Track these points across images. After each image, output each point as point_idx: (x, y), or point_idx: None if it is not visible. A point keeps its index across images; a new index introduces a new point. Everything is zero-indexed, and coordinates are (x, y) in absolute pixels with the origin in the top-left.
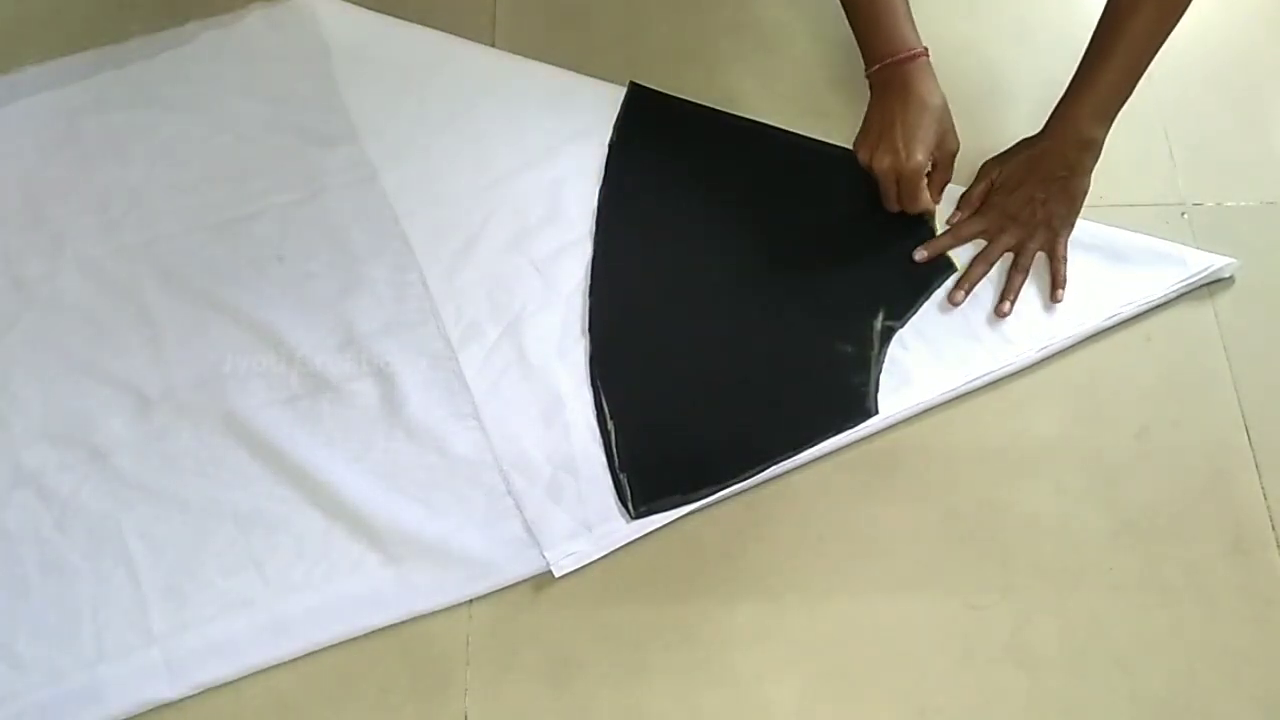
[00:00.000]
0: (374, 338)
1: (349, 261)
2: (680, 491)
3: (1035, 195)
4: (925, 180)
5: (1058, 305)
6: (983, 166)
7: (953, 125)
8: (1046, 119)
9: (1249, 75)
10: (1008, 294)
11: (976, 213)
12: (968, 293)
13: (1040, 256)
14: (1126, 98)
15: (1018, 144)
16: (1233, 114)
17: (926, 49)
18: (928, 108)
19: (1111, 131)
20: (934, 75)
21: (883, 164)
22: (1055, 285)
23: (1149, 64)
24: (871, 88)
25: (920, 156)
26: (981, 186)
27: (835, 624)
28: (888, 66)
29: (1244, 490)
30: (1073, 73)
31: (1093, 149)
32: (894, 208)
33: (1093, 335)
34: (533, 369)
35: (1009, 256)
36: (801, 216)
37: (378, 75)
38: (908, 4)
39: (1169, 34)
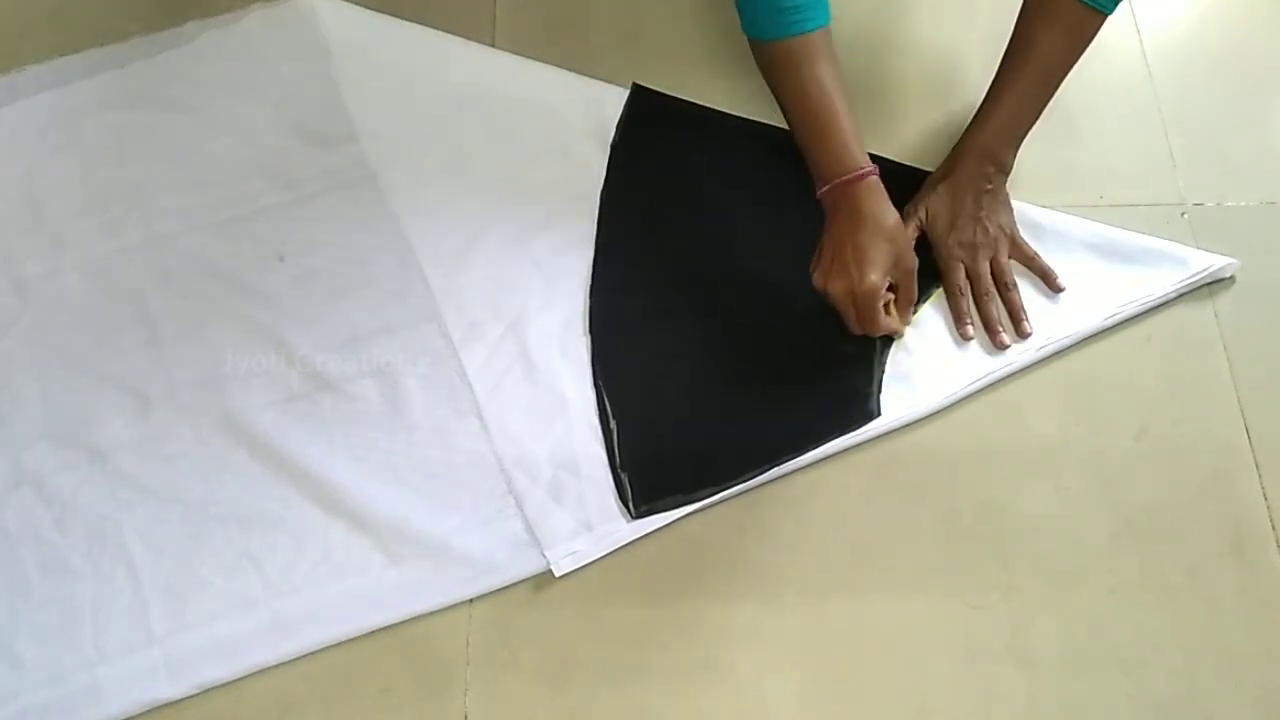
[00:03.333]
0: (375, 337)
1: (350, 261)
2: (681, 492)
3: (976, 215)
4: (882, 302)
5: (1060, 303)
6: (904, 211)
7: (908, 243)
8: (953, 146)
9: (1249, 75)
10: (1018, 315)
11: (938, 258)
12: (983, 322)
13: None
14: (1034, 122)
15: (927, 182)
16: (1233, 114)
17: (877, 167)
18: (881, 228)
19: (1111, 130)
20: (884, 194)
21: (837, 289)
22: (1050, 280)
23: (1056, 89)
24: (823, 209)
25: (874, 278)
26: (910, 228)
27: (835, 624)
28: (837, 187)
29: (1244, 490)
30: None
31: (1004, 168)
32: (857, 331)
33: (1093, 335)
34: (535, 368)
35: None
36: (801, 217)
37: (378, 75)
38: (855, 122)
39: (1076, 60)
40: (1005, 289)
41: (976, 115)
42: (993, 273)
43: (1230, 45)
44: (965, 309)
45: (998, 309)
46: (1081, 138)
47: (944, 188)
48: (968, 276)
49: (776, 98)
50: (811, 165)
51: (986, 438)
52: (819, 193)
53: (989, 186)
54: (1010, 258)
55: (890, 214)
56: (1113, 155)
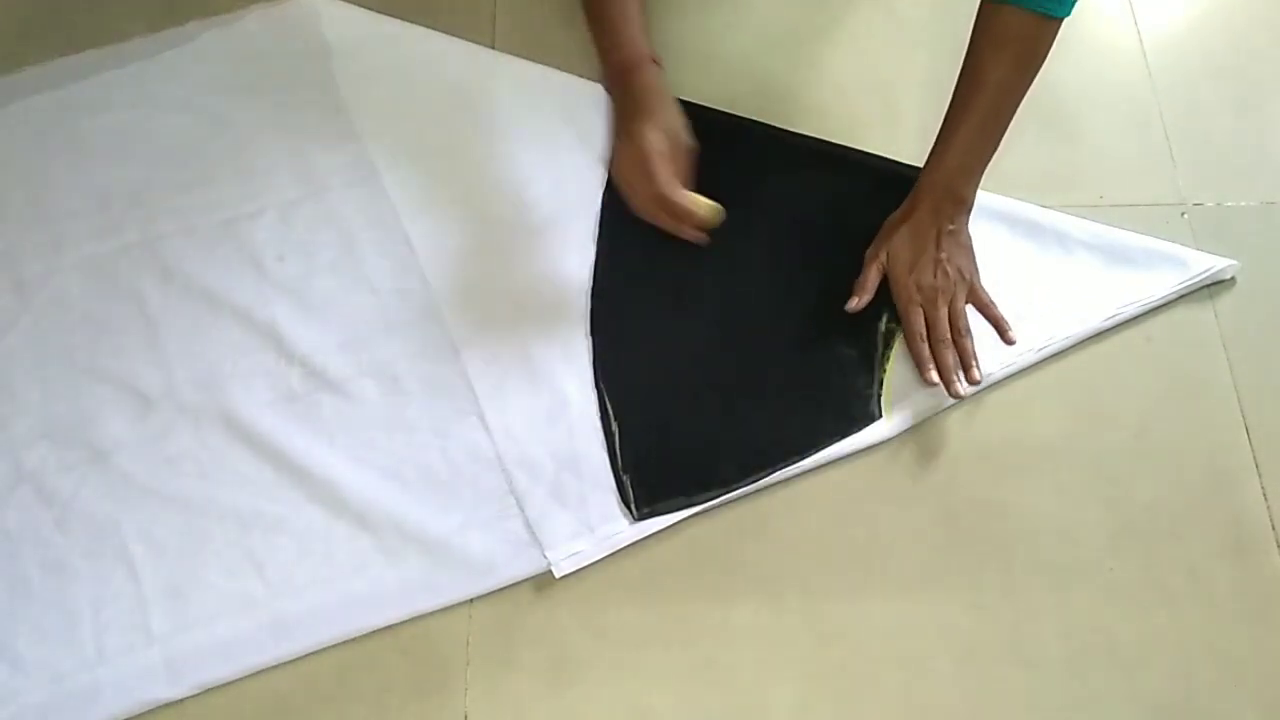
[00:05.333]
0: (376, 337)
1: (350, 261)
2: (683, 494)
3: (937, 257)
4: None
5: (1061, 304)
6: (866, 254)
7: (685, 125)
8: (913, 186)
9: (1249, 75)
10: (969, 361)
11: (896, 301)
12: (938, 369)
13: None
14: (993, 152)
15: (887, 223)
16: (1233, 114)
17: (658, 58)
18: (665, 111)
19: (1111, 130)
20: (665, 83)
21: (634, 184)
22: (1003, 330)
23: (1010, 119)
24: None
25: (665, 172)
26: (873, 271)
27: (835, 624)
28: (620, 74)
29: (1244, 490)
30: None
31: (965, 205)
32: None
33: (1093, 336)
34: (536, 369)
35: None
36: (804, 217)
37: (378, 76)
38: (644, 14)
39: (1030, 81)
40: (959, 335)
41: (933, 152)
42: (950, 317)
43: (1230, 45)
44: (926, 354)
45: (953, 356)
46: (1081, 138)
47: (905, 229)
48: (925, 321)
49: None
50: (599, 55)
51: (987, 438)
52: (605, 78)
53: (950, 226)
54: (969, 302)
55: (669, 104)
56: (1112, 155)
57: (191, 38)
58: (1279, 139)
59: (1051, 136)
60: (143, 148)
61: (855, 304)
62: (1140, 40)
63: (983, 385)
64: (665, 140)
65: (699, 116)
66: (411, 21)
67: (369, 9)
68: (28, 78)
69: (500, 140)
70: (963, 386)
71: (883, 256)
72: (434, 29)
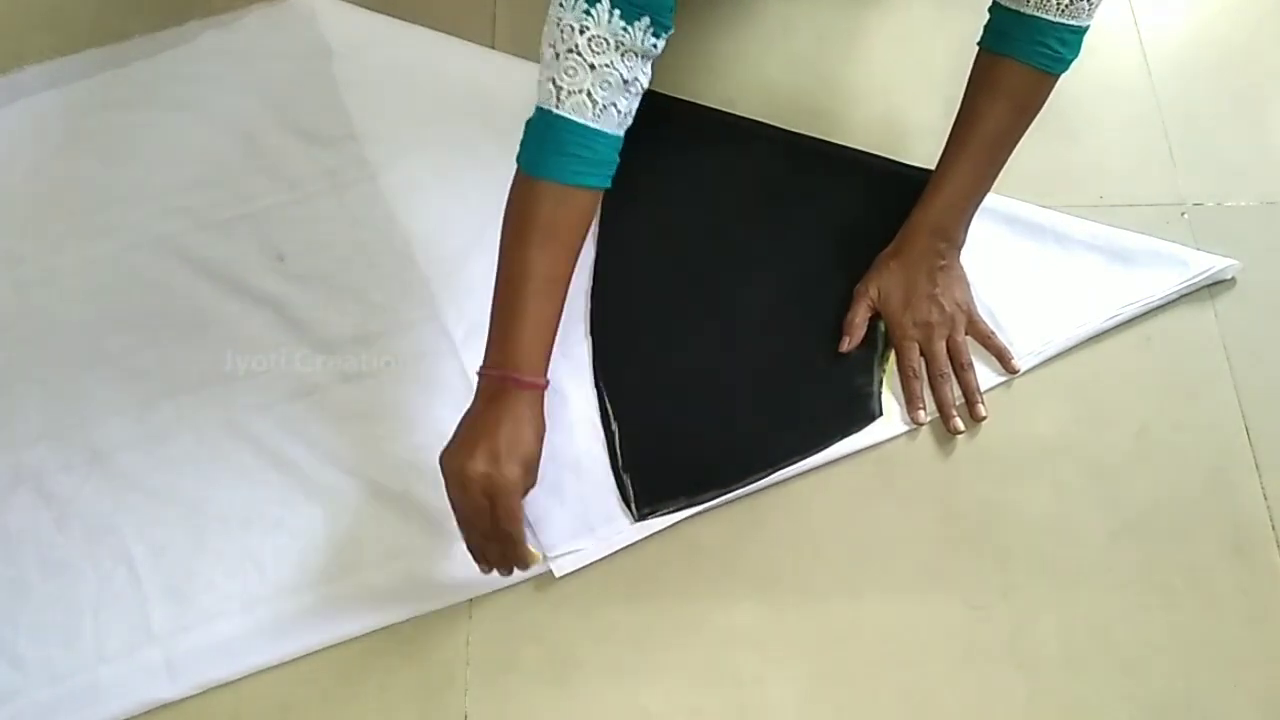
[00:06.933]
0: (376, 336)
1: (350, 260)
2: (684, 494)
3: (932, 293)
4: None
5: (1061, 305)
6: (855, 291)
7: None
8: (904, 223)
9: (1249, 76)
10: (974, 398)
11: (892, 337)
12: (938, 404)
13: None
14: (985, 193)
15: (878, 260)
16: (1233, 115)
17: (548, 383)
18: (536, 438)
19: (1111, 131)
20: (542, 413)
21: (475, 468)
22: (1005, 360)
23: (1005, 161)
24: (479, 384)
25: (518, 470)
26: (862, 308)
27: (835, 624)
28: (508, 379)
29: (1244, 490)
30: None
31: (957, 243)
32: (485, 537)
33: (1093, 336)
34: None
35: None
36: (803, 217)
37: (378, 75)
38: (557, 329)
39: (1027, 126)
40: (961, 369)
41: (927, 189)
42: (950, 351)
43: (1230, 46)
44: (918, 392)
45: (953, 390)
46: (1081, 138)
47: (895, 265)
48: (923, 355)
49: (501, 242)
50: (492, 339)
51: (987, 438)
52: (481, 369)
53: (942, 263)
54: (967, 334)
55: (539, 435)
56: (1113, 156)
57: (191, 38)
58: (1278, 139)
59: (1052, 137)
60: (143, 147)
61: (847, 345)
62: (1141, 41)
63: (984, 386)
64: (528, 479)
65: (697, 116)
66: (411, 21)
67: (368, 9)
68: (30, 77)
69: (499, 140)
70: (960, 423)
71: (873, 293)
72: (434, 29)
